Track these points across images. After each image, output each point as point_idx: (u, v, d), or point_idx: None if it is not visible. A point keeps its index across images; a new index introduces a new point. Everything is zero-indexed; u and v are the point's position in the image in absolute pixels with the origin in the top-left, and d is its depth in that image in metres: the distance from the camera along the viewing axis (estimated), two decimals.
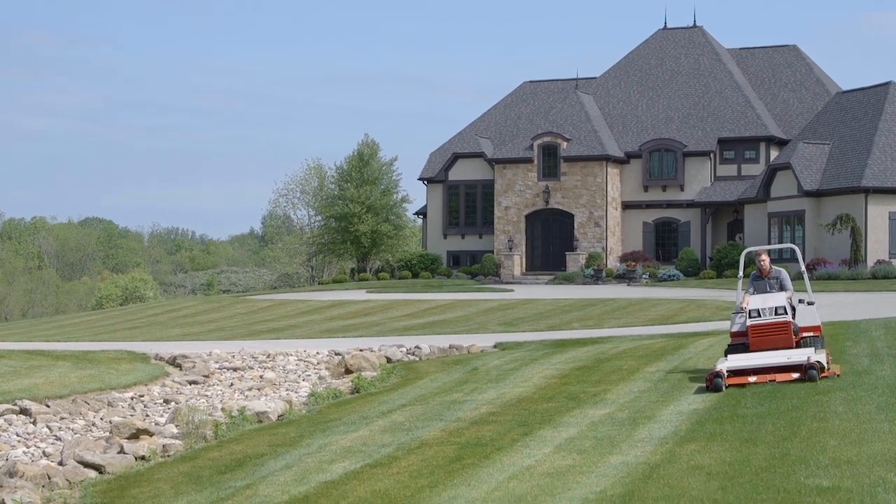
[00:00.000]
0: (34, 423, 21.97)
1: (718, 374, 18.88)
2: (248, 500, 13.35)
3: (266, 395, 24.97)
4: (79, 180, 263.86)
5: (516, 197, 69.67)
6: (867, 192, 58.20)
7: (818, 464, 12.22)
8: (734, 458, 12.95)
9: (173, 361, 32.50)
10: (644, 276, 63.41)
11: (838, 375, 19.17)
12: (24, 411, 22.81)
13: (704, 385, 19.03)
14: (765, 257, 20.87)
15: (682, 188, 68.49)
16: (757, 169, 67.14)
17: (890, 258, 57.78)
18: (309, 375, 28.47)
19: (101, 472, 15.92)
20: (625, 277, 64.06)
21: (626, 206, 69.68)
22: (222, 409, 21.74)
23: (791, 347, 19.93)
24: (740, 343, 20.53)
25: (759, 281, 21.01)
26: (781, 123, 70.24)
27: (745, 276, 22.54)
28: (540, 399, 19.97)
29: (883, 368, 20.12)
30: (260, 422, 20.21)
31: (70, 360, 32.51)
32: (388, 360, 29.95)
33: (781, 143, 67.98)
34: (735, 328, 20.79)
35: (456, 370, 26.16)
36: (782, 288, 20.75)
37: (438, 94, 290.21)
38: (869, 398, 16.86)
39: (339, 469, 14.75)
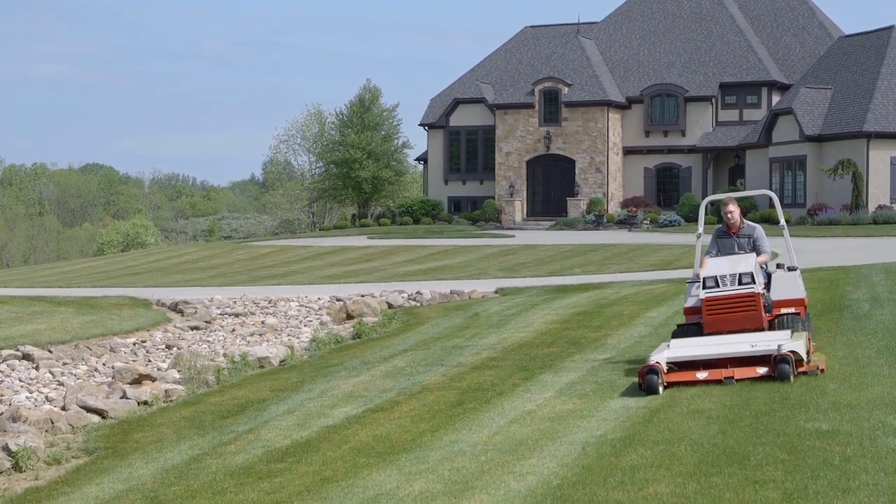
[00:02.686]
0: (37, 368, 22.05)
1: (652, 369, 14.07)
2: (250, 444, 13.41)
3: (267, 340, 25.04)
4: (79, 126, 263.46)
5: (517, 142, 69.50)
6: (869, 136, 58.06)
7: (818, 407, 12.26)
8: (734, 401, 12.99)
9: (175, 307, 32.57)
10: (645, 221, 63.38)
11: (822, 370, 14.41)
12: (26, 357, 22.89)
13: (637, 382, 14.44)
14: (733, 208, 16.12)
15: (683, 133, 68.31)
16: (758, 114, 66.93)
17: (891, 203, 57.75)
18: (310, 321, 28.53)
19: (103, 417, 15.99)
20: (626, 223, 64.04)
21: (628, 151, 69.53)
22: (224, 355, 21.81)
23: (761, 329, 15.23)
24: (694, 323, 15.76)
25: (726, 238, 16.26)
26: (783, 68, 69.93)
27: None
28: (541, 344, 20.01)
29: (883, 313, 20.13)
30: (262, 367, 20.28)
31: (72, 305, 32.57)
32: (390, 305, 30.00)
33: (783, 88, 67.74)
34: (690, 303, 15.98)
35: (457, 315, 26.20)
36: (756, 249, 16.02)
37: (439, 40, 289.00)
38: (869, 342, 16.89)
39: (340, 414, 14.81)
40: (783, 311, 15.71)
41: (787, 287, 15.94)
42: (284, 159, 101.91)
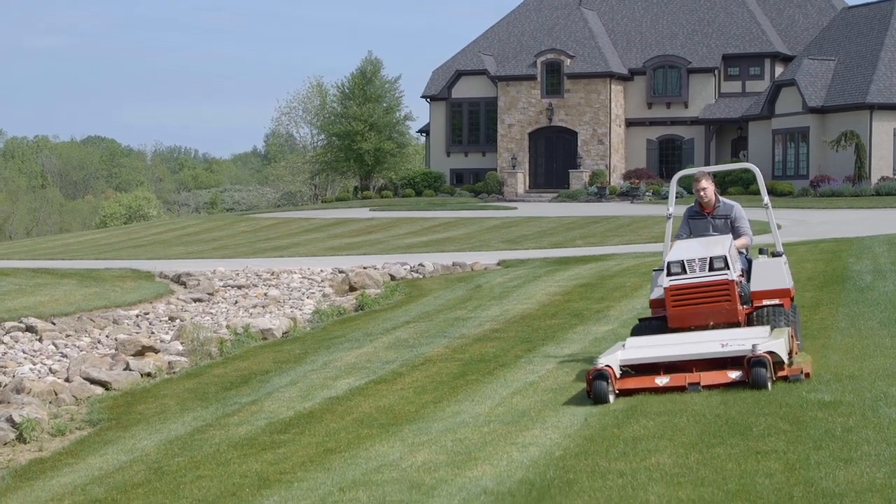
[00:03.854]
0: (40, 340, 22.09)
1: (601, 374, 12.00)
2: (253, 415, 13.45)
3: (270, 312, 25.06)
4: (81, 98, 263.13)
5: (519, 114, 69.36)
6: (872, 108, 57.92)
7: (820, 378, 12.26)
8: None
9: (178, 279, 32.61)
10: (647, 193, 63.30)
11: (808, 375, 12.23)
12: (29, 329, 22.93)
13: (586, 391, 12.31)
14: (706, 184, 13.96)
15: (686, 105, 68.15)
16: (761, 86, 66.74)
17: (894, 174, 57.69)
18: (313, 293, 28.55)
19: (107, 389, 16.03)
20: (628, 195, 63.98)
21: (630, 123, 69.39)
22: (227, 327, 21.84)
23: (737, 324, 13.07)
24: (659, 318, 13.63)
25: (699, 219, 14.13)
26: (786, 39, 69.68)
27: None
28: (543, 316, 20.03)
29: (886, 284, 20.13)
30: (264, 339, 20.31)
31: (75, 278, 32.62)
32: (392, 277, 30.03)
33: (786, 60, 67.52)
34: (655, 294, 13.90)
35: (459, 287, 26.23)
36: (734, 231, 13.95)
37: (441, 11, 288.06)
38: (871, 314, 16.89)
39: (343, 385, 14.84)
40: (766, 302, 13.49)
41: (770, 275, 13.69)
42: (286, 132, 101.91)
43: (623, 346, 12.89)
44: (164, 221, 78.33)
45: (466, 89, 73.32)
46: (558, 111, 68.60)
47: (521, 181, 68.62)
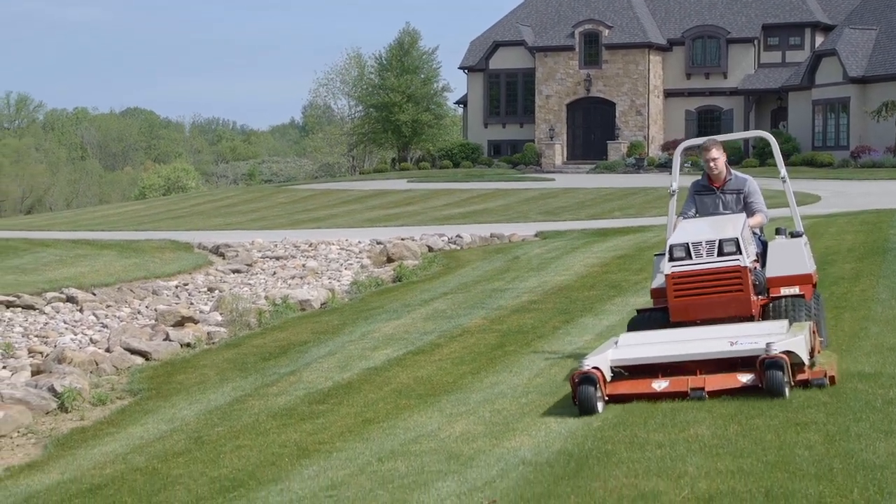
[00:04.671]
0: (81, 310, 22.27)
1: (588, 377, 10.29)
2: (292, 386, 13.51)
3: (308, 283, 25.13)
4: (120, 71, 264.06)
5: (557, 85, 69.09)
6: None
7: (861, 349, 12.20)
8: None
9: (216, 250, 32.77)
10: (686, 164, 62.91)
11: (833, 379, 10.53)
12: (70, 299, 23.11)
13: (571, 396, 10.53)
14: (717, 154, 12.28)
15: (725, 76, 67.68)
16: (801, 56, 66.18)
17: None
18: (351, 264, 28.61)
19: (147, 359, 16.15)
20: (666, 166, 63.59)
21: (669, 94, 68.99)
22: (265, 298, 21.93)
23: (750, 318, 11.45)
24: (660, 310, 12.00)
25: (707, 195, 12.50)
26: (827, 9, 69.02)
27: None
28: (581, 287, 20.01)
29: None
30: (303, 310, 20.38)
31: (114, 249, 32.84)
32: (430, 248, 30.05)
33: (827, 29, 66.89)
34: (657, 282, 12.22)
35: (497, 259, 26.22)
36: (747, 208, 12.30)
37: None
38: None
39: (381, 356, 14.88)
40: (784, 291, 11.84)
41: (788, 259, 12.00)
42: (324, 103, 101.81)
43: (615, 343, 11.28)
44: (203, 193, 78.66)
45: (504, 60, 73.07)
46: (596, 82, 68.30)
47: (558, 152, 68.43)
